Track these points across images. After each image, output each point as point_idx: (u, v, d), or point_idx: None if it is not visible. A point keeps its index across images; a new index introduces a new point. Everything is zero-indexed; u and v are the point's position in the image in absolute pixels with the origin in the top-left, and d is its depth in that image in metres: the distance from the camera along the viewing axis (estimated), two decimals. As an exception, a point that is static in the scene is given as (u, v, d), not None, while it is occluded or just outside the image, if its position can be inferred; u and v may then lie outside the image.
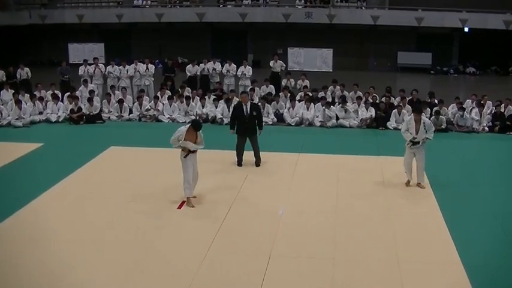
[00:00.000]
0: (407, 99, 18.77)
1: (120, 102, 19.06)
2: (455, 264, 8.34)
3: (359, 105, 18.55)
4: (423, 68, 33.75)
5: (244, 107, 13.43)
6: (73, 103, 18.43)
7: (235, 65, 22.37)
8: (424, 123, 11.70)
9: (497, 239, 9.35)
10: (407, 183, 11.98)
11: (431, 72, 33.97)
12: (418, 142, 11.70)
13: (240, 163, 13.44)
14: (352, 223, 9.95)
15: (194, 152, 10.55)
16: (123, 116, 18.89)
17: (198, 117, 17.72)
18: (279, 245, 8.97)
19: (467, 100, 19.13)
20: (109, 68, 22.02)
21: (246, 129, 13.38)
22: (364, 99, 19.01)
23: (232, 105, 18.04)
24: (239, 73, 22.15)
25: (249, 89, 19.67)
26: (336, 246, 8.96)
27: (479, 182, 12.40)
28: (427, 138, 11.76)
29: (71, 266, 8.20)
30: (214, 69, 22.45)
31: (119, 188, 11.64)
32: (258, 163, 13.42)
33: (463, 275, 7.99)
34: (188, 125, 10.59)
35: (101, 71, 22.12)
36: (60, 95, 19.48)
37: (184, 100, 18.85)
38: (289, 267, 8.27)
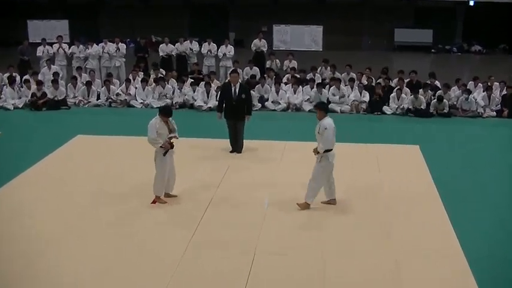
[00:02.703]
0: (406, 81, 18.75)
1: (88, 85, 18.88)
2: (456, 253, 8.51)
3: (352, 88, 18.56)
4: (423, 46, 33.97)
5: (233, 88, 13.23)
6: (35, 87, 18.28)
7: (215, 45, 22.28)
8: (319, 126, 10.16)
9: (500, 229, 9.56)
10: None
11: (432, 51, 34.20)
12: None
13: (233, 150, 13.43)
14: (344, 213, 10.04)
15: (172, 147, 10.27)
16: (90, 102, 18.77)
17: (174, 103, 17.76)
18: (264, 238, 9.00)
19: (470, 82, 19.11)
20: (73, 48, 21.77)
21: (232, 113, 13.19)
22: (357, 81, 18.93)
23: (212, 89, 18.07)
24: (220, 53, 22.05)
25: (230, 70, 19.59)
26: (326, 237, 9.06)
27: (481, 171, 12.59)
28: (318, 150, 10.19)
29: (38, 260, 8.22)
30: (191, 49, 22.35)
31: (87, 181, 11.53)
32: (239, 150, 13.39)
33: (464, 264, 8.17)
34: (157, 116, 10.18)
35: (65, 51, 21.90)
36: (18, 78, 19.32)
37: (158, 83, 18.79)
38: (276, 260, 8.31)
